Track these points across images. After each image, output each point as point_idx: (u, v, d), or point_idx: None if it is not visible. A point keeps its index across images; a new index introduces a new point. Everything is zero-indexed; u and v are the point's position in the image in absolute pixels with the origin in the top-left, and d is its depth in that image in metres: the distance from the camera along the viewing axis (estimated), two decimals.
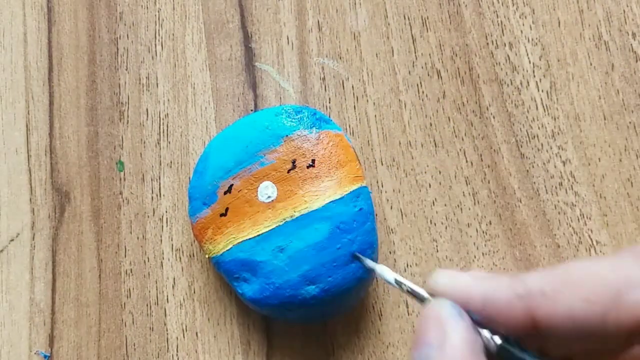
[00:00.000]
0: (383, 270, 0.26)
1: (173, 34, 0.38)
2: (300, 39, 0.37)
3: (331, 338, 0.33)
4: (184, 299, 0.34)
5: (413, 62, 0.36)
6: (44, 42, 0.38)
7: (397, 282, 0.25)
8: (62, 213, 0.36)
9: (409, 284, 0.24)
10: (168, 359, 0.34)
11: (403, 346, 0.33)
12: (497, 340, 0.21)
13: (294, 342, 0.33)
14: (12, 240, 0.36)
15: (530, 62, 0.36)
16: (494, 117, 0.36)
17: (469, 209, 0.35)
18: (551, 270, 0.21)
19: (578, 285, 0.20)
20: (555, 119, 0.35)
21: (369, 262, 0.28)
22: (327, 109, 0.36)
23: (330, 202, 0.30)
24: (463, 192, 0.35)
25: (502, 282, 0.21)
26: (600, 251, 0.34)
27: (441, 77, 0.36)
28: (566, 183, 0.35)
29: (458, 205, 0.35)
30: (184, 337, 0.34)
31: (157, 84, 0.37)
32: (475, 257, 0.34)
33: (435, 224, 0.35)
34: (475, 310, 0.21)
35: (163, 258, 0.35)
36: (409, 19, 0.37)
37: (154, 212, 0.36)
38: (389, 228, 0.35)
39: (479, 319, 0.21)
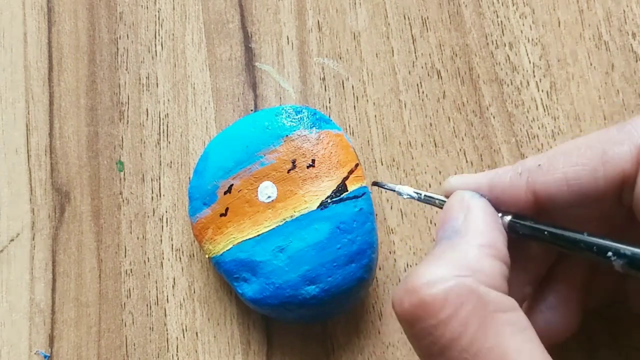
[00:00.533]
0: (402, 188, 0.28)
1: (173, 34, 0.38)
2: (300, 39, 0.37)
3: (331, 338, 0.33)
4: (184, 299, 0.34)
5: (413, 62, 0.36)
6: (44, 42, 0.38)
7: (415, 192, 0.27)
8: (62, 213, 0.36)
9: (429, 194, 0.27)
10: (168, 359, 0.34)
11: (403, 346, 0.33)
12: (508, 218, 0.23)
13: (294, 342, 0.33)
14: (12, 240, 0.36)
15: (530, 62, 0.36)
16: (494, 117, 0.36)
17: None
18: (547, 152, 0.23)
19: (569, 154, 0.22)
20: (555, 119, 0.35)
21: (390, 185, 0.29)
22: (327, 109, 0.36)
23: (330, 202, 0.30)
24: None
25: (505, 168, 0.24)
26: None
27: (441, 77, 0.36)
28: None
29: None
30: (184, 337, 0.34)
31: (157, 84, 0.37)
32: None
33: (435, 224, 0.34)
34: (485, 194, 0.23)
35: (163, 258, 0.35)
36: (409, 19, 0.37)
37: (154, 212, 0.36)
38: (389, 228, 0.35)
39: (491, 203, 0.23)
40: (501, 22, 0.37)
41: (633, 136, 0.20)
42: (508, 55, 0.36)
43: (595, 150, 0.21)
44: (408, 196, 0.27)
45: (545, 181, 0.22)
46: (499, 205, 0.23)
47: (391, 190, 0.28)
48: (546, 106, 0.35)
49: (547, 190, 0.22)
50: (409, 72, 0.36)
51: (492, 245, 0.22)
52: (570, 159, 0.21)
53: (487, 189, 0.24)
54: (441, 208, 0.25)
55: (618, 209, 0.22)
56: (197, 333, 0.34)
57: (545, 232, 0.22)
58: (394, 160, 0.35)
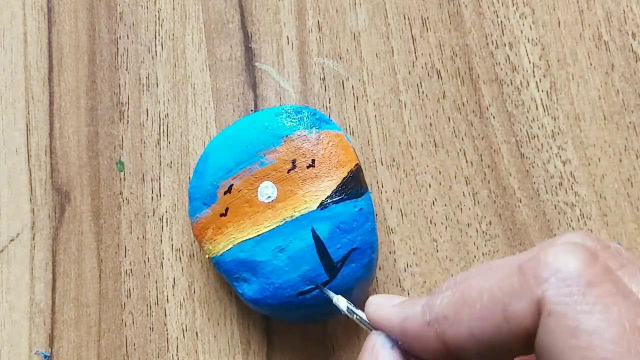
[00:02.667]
0: (339, 300, 0.28)
1: (173, 34, 0.38)
2: (300, 39, 0.37)
3: (331, 338, 0.33)
4: (184, 299, 0.34)
5: (413, 62, 0.36)
6: (44, 42, 0.38)
7: (349, 310, 0.27)
8: (62, 213, 0.36)
9: (359, 313, 0.26)
10: (168, 359, 0.34)
11: None
12: None
13: (294, 342, 0.34)
14: (12, 240, 0.36)
15: (530, 62, 0.36)
16: (494, 117, 0.36)
17: (469, 209, 0.35)
18: (455, 289, 0.22)
19: (472, 305, 0.21)
20: (555, 119, 0.35)
21: (329, 292, 0.29)
22: (327, 109, 0.36)
23: (331, 202, 0.30)
24: (463, 192, 0.35)
25: (416, 309, 0.23)
26: None
27: (441, 77, 0.36)
28: (566, 183, 0.35)
29: (458, 205, 0.35)
30: (184, 337, 0.34)
31: (157, 84, 0.37)
32: (475, 257, 0.34)
33: (435, 224, 0.35)
34: (398, 339, 0.23)
35: (163, 258, 0.35)
36: (409, 19, 0.37)
37: (154, 212, 0.36)
38: (389, 228, 0.35)
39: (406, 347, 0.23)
40: (501, 22, 0.37)
41: (532, 289, 0.20)
42: (508, 55, 0.36)
43: (496, 304, 0.21)
44: (342, 310, 0.28)
45: (454, 335, 0.22)
46: (413, 351, 0.23)
47: (329, 297, 0.29)
48: (546, 106, 0.35)
49: (457, 343, 0.22)
50: (409, 72, 0.36)
51: None
52: (474, 312, 0.21)
53: (400, 333, 0.23)
54: (367, 328, 0.26)
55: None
56: (197, 333, 0.34)
57: None
58: (394, 160, 0.35)
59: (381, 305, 0.25)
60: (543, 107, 0.35)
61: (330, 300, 0.30)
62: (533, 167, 0.35)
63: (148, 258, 0.35)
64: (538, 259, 0.20)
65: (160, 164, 0.36)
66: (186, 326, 0.34)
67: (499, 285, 0.21)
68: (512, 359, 0.22)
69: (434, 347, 0.22)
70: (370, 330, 0.25)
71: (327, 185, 0.30)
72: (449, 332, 0.22)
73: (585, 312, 0.19)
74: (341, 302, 0.28)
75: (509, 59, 0.36)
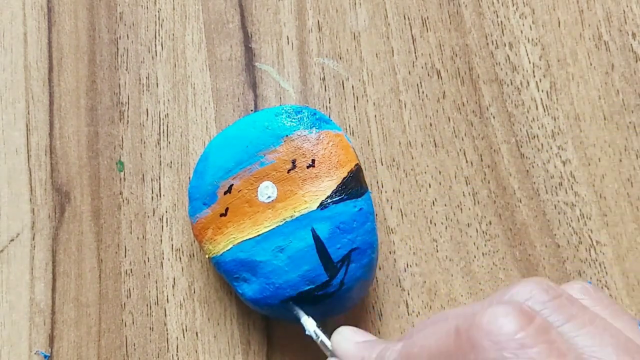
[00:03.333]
0: (306, 322, 0.29)
1: (173, 34, 0.38)
2: (300, 39, 0.37)
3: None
4: (184, 299, 0.34)
5: (413, 62, 0.36)
6: (44, 42, 0.38)
7: (315, 333, 0.29)
8: (62, 213, 0.36)
9: (324, 339, 0.28)
10: (168, 359, 0.34)
11: None
12: None
13: (294, 342, 0.34)
14: (12, 240, 0.36)
15: (530, 62, 0.36)
16: (494, 117, 0.36)
17: (469, 209, 0.35)
18: (404, 344, 0.23)
19: None
20: (555, 119, 0.35)
21: (299, 312, 0.30)
22: (327, 109, 0.36)
23: (331, 202, 0.30)
24: (463, 192, 0.35)
25: (371, 355, 0.25)
26: (600, 251, 0.34)
27: (441, 77, 0.36)
28: (566, 183, 0.35)
29: (458, 205, 0.35)
30: (184, 337, 0.34)
31: (157, 84, 0.37)
32: (475, 257, 0.34)
33: (435, 224, 0.35)
34: None
35: (163, 258, 0.35)
36: (409, 19, 0.37)
37: (154, 212, 0.36)
38: (389, 228, 0.35)
39: None
40: (501, 22, 0.37)
41: (466, 353, 0.20)
42: (508, 55, 0.36)
43: None
44: (308, 332, 0.29)
45: None
46: None
47: (297, 318, 0.30)
48: (546, 106, 0.35)
49: None
50: (409, 72, 0.36)
51: None
52: None
53: None
54: (329, 355, 0.28)
55: None
56: (197, 333, 0.34)
57: None
58: (394, 160, 0.35)
59: (345, 340, 0.27)
60: (543, 107, 0.35)
61: (330, 300, 0.30)
62: (533, 167, 0.35)
63: (148, 258, 0.35)
64: (473, 320, 0.20)
65: (160, 164, 0.36)
66: (186, 326, 0.34)
67: (437, 345, 0.21)
68: None
69: None
70: (331, 357, 0.27)
71: (327, 185, 0.30)
72: None
73: None
74: (309, 324, 0.29)
75: (509, 59, 0.36)
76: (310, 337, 0.29)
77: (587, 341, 0.21)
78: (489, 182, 0.35)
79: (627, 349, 0.21)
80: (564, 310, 0.22)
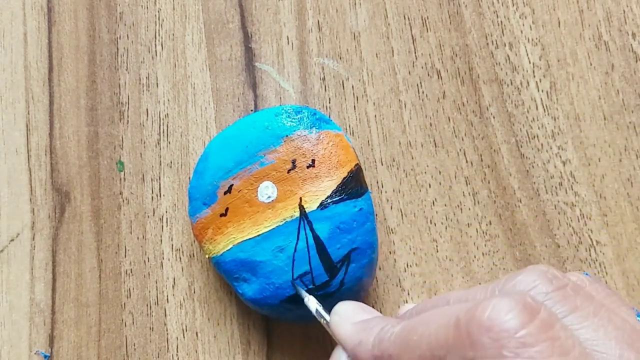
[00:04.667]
0: (309, 301, 0.29)
1: (173, 34, 0.38)
2: (300, 39, 0.37)
3: (331, 338, 0.33)
4: (184, 299, 0.34)
5: (413, 62, 0.36)
6: (44, 42, 0.38)
7: (317, 312, 0.28)
8: (62, 213, 0.36)
9: (326, 317, 0.27)
10: (168, 359, 0.34)
11: None
12: None
13: (294, 342, 0.34)
14: (12, 240, 0.36)
15: (530, 62, 0.36)
16: (494, 117, 0.36)
17: (469, 209, 0.35)
18: (403, 327, 0.23)
19: (413, 350, 0.21)
20: (555, 119, 0.35)
21: (302, 292, 0.30)
22: (327, 109, 0.36)
23: (331, 202, 0.30)
24: (463, 192, 0.35)
25: (369, 338, 0.24)
26: (601, 251, 0.34)
27: (441, 77, 0.36)
28: (566, 183, 0.35)
29: (458, 205, 0.35)
30: (184, 337, 0.34)
31: (157, 84, 0.37)
32: (475, 257, 0.34)
33: (435, 224, 0.35)
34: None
35: (163, 258, 0.35)
36: (409, 19, 0.37)
37: (154, 212, 0.36)
38: (389, 228, 0.35)
39: None
40: (501, 22, 0.37)
41: (465, 347, 0.20)
42: (508, 55, 0.36)
43: (433, 355, 0.21)
44: (312, 311, 0.29)
45: None
46: None
47: (302, 296, 0.30)
48: (546, 106, 0.35)
49: None
50: (409, 72, 0.36)
51: None
52: (413, 357, 0.21)
53: (351, 356, 0.25)
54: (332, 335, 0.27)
55: None
56: (197, 333, 0.34)
57: None
58: (394, 160, 0.35)
59: (343, 319, 0.26)
60: (543, 107, 0.35)
61: (330, 300, 0.30)
62: (533, 167, 0.35)
63: (148, 258, 0.35)
64: (474, 313, 0.20)
65: (160, 164, 0.36)
66: (186, 326, 0.34)
67: (437, 335, 0.21)
68: None
69: None
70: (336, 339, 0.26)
71: (327, 185, 0.30)
72: None
73: None
74: (311, 303, 0.29)
75: (509, 59, 0.36)
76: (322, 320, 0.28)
77: (589, 334, 0.20)
78: (489, 182, 0.35)
79: (631, 341, 0.20)
80: (568, 301, 0.21)
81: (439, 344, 0.20)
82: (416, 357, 0.21)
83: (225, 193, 0.31)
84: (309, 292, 0.30)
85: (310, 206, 0.30)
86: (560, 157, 0.35)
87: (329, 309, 0.31)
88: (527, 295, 0.20)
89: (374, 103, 0.36)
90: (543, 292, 0.22)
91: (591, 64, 0.36)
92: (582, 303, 0.21)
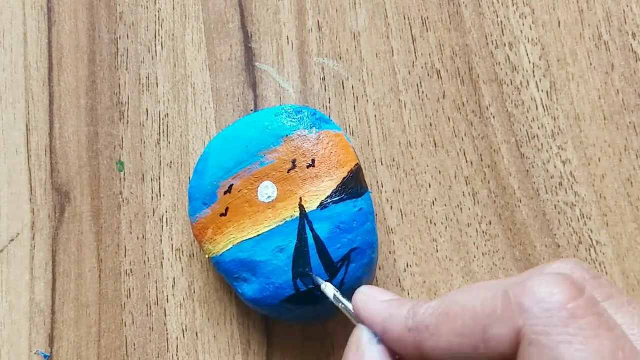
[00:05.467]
0: (327, 287, 0.28)
1: (173, 34, 0.38)
2: (300, 39, 0.37)
3: (331, 338, 0.33)
4: (184, 299, 0.34)
5: (413, 62, 0.36)
6: (44, 42, 0.38)
7: (335, 298, 0.27)
8: (62, 213, 0.36)
9: (346, 303, 0.26)
10: (168, 359, 0.34)
11: None
12: None
13: (294, 342, 0.34)
14: (12, 240, 0.36)
15: (530, 62, 0.36)
16: (494, 117, 0.36)
17: (469, 209, 0.35)
18: (441, 301, 0.22)
19: (454, 320, 0.21)
20: (555, 119, 0.35)
21: (318, 279, 0.29)
22: (327, 109, 0.36)
23: (331, 202, 0.30)
24: (463, 192, 0.35)
25: (402, 311, 0.23)
26: (601, 251, 0.34)
27: (441, 77, 0.36)
28: (566, 183, 0.35)
29: (458, 205, 0.35)
30: (184, 337, 0.34)
31: (157, 84, 0.37)
32: (475, 257, 0.34)
33: (435, 224, 0.35)
34: (378, 335, 0.24)
35: (163, 258, 0.35)
36: (409, 19, 0.37)
37: (154, 212, 0.36)
38: (389, 228, 0.35)
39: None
40: (501, 22, 0.37)
41: (514, 316, 0.20)
42: (508, 55, 0.36)
43: (477, 324, 0.21)
44: (329, 297, 0.28)
45: (432, 346, 0.22)
46: (393, 349, 0.24)
47: (316, 284, 0.29)
48: (546, 106, 0.35)
49: (433, 353, 0.22)
50: (409, 72, 0.36)
51: None
52: (454, 327, 0.21)
53: (381, 333, 0.24)
54: (353, 319, 0.26)
55: None
56: (197, 333, 0.34)
57: None
58: (394, 160, 0.35)
59: (370, 298, 0.25)
60: (543, 107, 0.35)
61: (330, 300, 0.30)
62: (533, 167, 0.35)
63: (148, 258, 0.35)
64: (524, 286, 0.20)
65: (160, 164, 0.36)
66: (186, 326, 0.34)
67: (483, 306, 0.21)
68: None
69: (411, 352, 0.23)
70: (356, 322, 0.25)
71: (327, 185, 0.30)
72: (427, 342, 0.22)
73: (566, 343, 0.19)
74: (329, 289, 0.28)
75: (509, 59, 0.36)
76: (332, 304, 0.28)
77: (626, 319, 0.21)
78: (489, 182, 0.35)
79: None
80: (604, 290, 0.22)
81: (485, 313, 0.21)
82: (458, 326, 0.21)
83: (225, 193, 0.31)
84: (309, 292, 0.30)
85: (311, 206, 0.30)
86: (560, 157, 0.35)
87: (329, 309, 0.31)
88: (572, 276, 0.21)
89: (374, 103, 0.36)
90: (582, 279, 0.22)
91: (591, 64, 0.36)
92: (616, 293, 0.22)
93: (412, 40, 0.37)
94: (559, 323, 0.19)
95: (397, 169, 0.35)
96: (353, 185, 0.31)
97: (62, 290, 0.35)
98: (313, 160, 0.31)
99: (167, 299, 0.34)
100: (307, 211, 0.30)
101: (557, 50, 0.36)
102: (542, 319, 0.19)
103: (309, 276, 0.30)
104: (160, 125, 0.37)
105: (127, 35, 0.38)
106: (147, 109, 0.37)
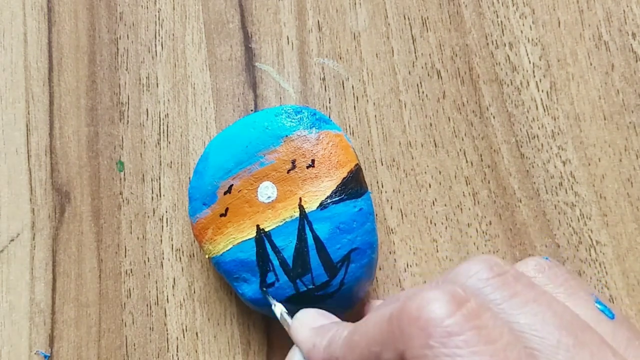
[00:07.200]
0: (275, 307, 0.30)
1: (173, 34, 0.38)
2: (300, 39, 0.37)
3: None
4: (184, 299, 0.34)
5: (413, 62, 0.36)
6: (44, 42, 0.38)
7: (282, 317, 0.29)
8: (62, 213, 0.36)
9: (290, 322, 0.28)
10: (168, 359, 0.34)
11: None
12: None
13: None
14: (12, 240, 0.36)
15: (530, 62, 0.36)
16: (494, 117, 0.36)
17: (469, 209, 0.35)
18: (350, 330, 0.23)
19: (355, 350, 0.22)
20: (555, 119, 0.35)
21: (270, 298, 0.30)
22: (327, 109, 0.36)
23: (330, 202, 0.30)
24: (463, 192, 0.35)
25: (323, 342, 0.25)
26: (601, 251, 0.34)
27: (441, 77, 0.36)
28: (566, 183, 0.35)
29: (458, 205, 0.35)
30: (184, 337, 0.34)
31: (157, 84, 0.37)
32: None
33: (435, 224, 0.35)
34: None
35: (163, 258, 0.35)
36: (409, 19, 0.37)
37: (154, 212, 0.36)
38: (389, 228, 0.35)
39: None
40: (501, 22, 0.37)
41: (396, 340, 0.20)
42: (508, 55, 0.36)
43: (372, 352, 0.21)
44: (277, 317, 0.30)
45: None
46: None
47: (269, 302, 0.30)
48: (546, 106, 0.35)
49: None
50: (409, 72, 0.36)
51: None
52: (355, 357, 0.22)
53: (307, 358, 0.26)
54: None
55: None
56: (197, 333, 0.34)
57: None
58: (394, 160, 0.35)
59: (302, 325, 0.27)
60: (543, 107, 0.35)
61: (330, 300, 0.30)
62: (533, 167, 0.35)
63: (148, 258, 0.35)
64: (404, 307, 0.20)
65: (160, 164, 0.36)
66: (186, 326, 0.34)
67: (373, 333, 0.21)
68: None
69: None
70: (295, 342, 0.27)
71: (327, 186, 0.30)
72: None
73: None
74: (277, 309, 0.30)
75: (509, 59, 0.36)
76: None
77: (528, 319, 0.21)
78: (489, 182, 0.35)
79: (571, 326, 0.21)
80: (507, 288, 0.22)
81: (375, 340, 0.21)
82: (357, 356, 0.22)
83: (225, 193, 0.31)
84: (309, 292, 0.30)
85: (310, 206, 0.30)
86: (560, 157, 0.35)
87: (328, 310, 0.31)
88: (455, 287, 0.20)
89: (374, 103, 0.36)
90: (482, 279, 0.22)
91: (591, 64, 0.36)
92: (522, 289, 0.22)
93: (412, 40, 0.37)
94: (435, 344, 0.19)
95: (397, 169, 0.35)
96: (353, 186, 0.31)
97: (62, 290, 0.35)
98: (313, 161, 0.31)
99: (167, 299, 0.34)
100: (306, 211, 0.30)
101: (557, 50, 0.36)
102: (420, 340, 0.19)
103: (265, 293, 0.30)
104: (160, 125, 0.37)
105: (127, 35, 0.38)
106: (147, 109, 0.37)
